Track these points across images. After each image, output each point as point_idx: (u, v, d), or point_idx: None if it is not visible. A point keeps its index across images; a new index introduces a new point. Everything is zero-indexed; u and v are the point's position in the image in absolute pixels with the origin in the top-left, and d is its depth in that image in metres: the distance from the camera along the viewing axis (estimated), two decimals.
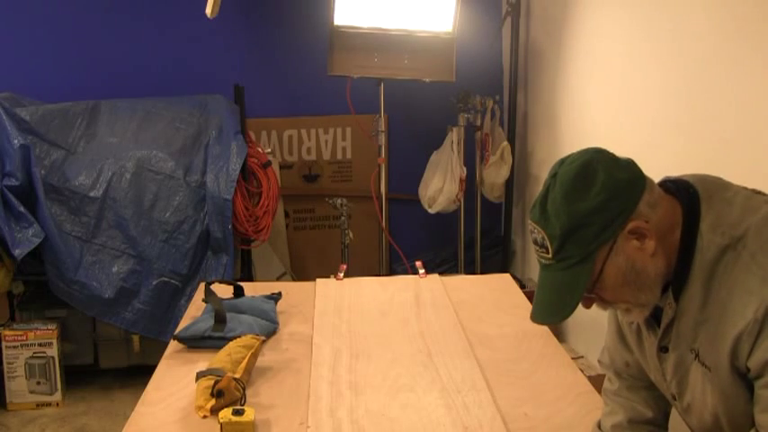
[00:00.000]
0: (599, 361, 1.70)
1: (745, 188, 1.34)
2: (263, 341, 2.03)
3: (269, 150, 3.90)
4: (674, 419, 1.59)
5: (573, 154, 1.34)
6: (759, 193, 1.34)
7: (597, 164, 1.29)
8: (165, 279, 3.41)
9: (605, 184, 1.27)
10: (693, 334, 1.33)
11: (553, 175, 1.32)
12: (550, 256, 1.30)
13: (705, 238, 1.28)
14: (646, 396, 1.57)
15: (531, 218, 1.33)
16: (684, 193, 1.33)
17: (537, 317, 1.36)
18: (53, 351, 3.40)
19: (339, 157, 4.31)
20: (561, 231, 1.27)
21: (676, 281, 1.32)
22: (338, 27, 3.54)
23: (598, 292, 1.33)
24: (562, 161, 1.33)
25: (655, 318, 1.40)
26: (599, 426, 1.63)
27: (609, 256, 1.28)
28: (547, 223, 1.29)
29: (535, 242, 1.33)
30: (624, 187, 1.28)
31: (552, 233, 1.28)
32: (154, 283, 3.39)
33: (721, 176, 1.38)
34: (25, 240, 3.19)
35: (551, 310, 1.33)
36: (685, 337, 1.35)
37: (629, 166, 1.31)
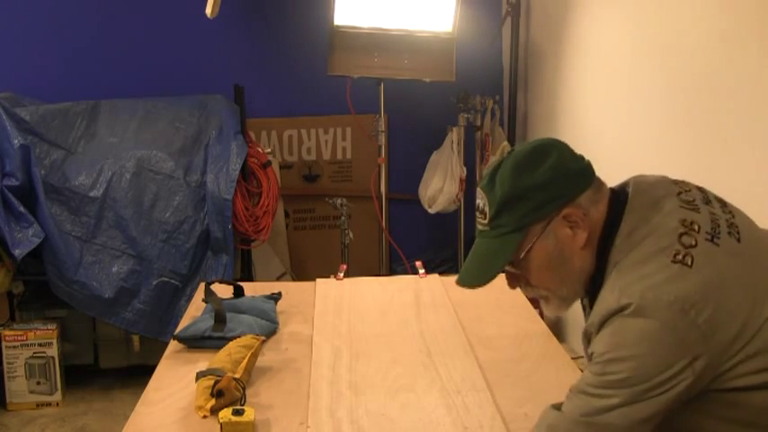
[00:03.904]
0: None
1: (681, 212, 1.32)
2: (263, 341, 2.03)
3: (269, 150, 3.90)
4: None
5: (537, 138, 1.42)
6: (690, 225, 1.31)
7: (553, 148, 1.36)
8: (165, 279, 3.41)
9: (553, 166, 1.33)
10: None
11: (510, 151, 1.40)
12: (486, 221, 1.36)
13: (613, 253, 1.32)
14: None
15: (479, 185, 1.40)
16: (616, 199, 1.37)
17: (460, 280, 1.42)
18: (53, 351, 3.40)
19: (339, 157, 4.31)
20: (501, 199, 1.33)
21: (591, 284, 1.36)
22: (338, 27, 3.54)
23: (523, 271, 1.38)
24: (527, 142, 1.41)
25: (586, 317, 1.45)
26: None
27: (540, 235, 1.34)
28: (491, 190, 1.35)
29: (477, 208, 1.39)
30: (571, 175, 1.34)
31: (492, 199, 1.35)
32: (154, 283, 3.39)
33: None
34: (25, 240, 3.19)
35: (474, 275, 1.40)
36: None
37: (583, 161, 1.38)
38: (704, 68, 2.40)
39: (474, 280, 1.40)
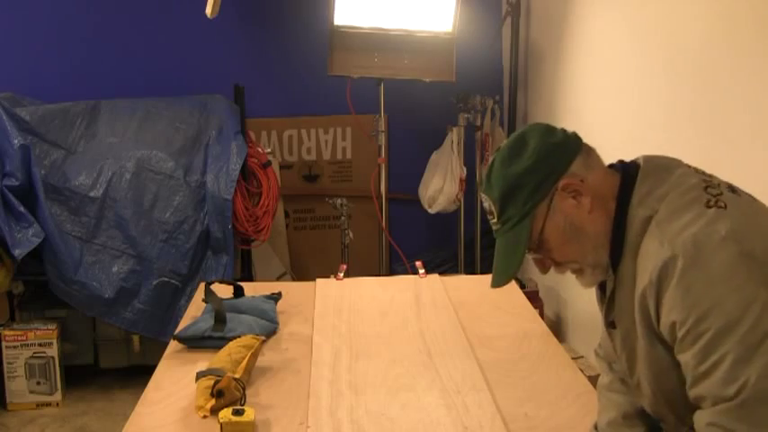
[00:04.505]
0: (595, 352, 1.73)
1: (696, 172, 1.38)
2: (263, 341, 2.03)
3: (269, 150, 3.89)
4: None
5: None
6: (709, 180, 1.35)
7: (530, 133, 1.42)
8: (165, 279, 3.41)
9: (535, 148, 1.38)
10: (632, 307, 1.37)
11: (496, 150, 1.45)
12: (496, 220, 1.41)
13: (633, 212, 1.35)
14: None
15: (481, 190, 1.45)
16: (626, 169, 1.40)
17: (493, 283, 1.44)
18: (53, 351, 3.40)
19: (339, 157, 4.31)
20: (500, 194, 1.39)
21: (613, 253, 1.38)
22: (338, 27, 3.54)
23: (546, 253, 1.41)
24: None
25: (603, 293, 1.46)
26: (595, 427, 1.63)
27: (548, 214, 1.37)
28: (490, 190, 1.41)
29: (486, 211, 1.44)
30: (555, 149, 1.39)
31: (494, 197, 1.40)
32: (154, 283, 3.39)
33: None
34: (25, 240, 3.19)
35: (501, 272, 1.43)
36: (627, 311, 1.39)
37: (564, 133, 1.42)
38: (705, 68, 2.40)
39: (502, 277, 1.43)
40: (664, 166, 1.39)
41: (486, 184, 1.42)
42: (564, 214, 1.37)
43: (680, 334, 1.24)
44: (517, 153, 1.39)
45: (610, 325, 1.47)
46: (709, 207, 1.27)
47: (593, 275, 1.43)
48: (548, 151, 1.38)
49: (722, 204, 1.28)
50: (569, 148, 1.40)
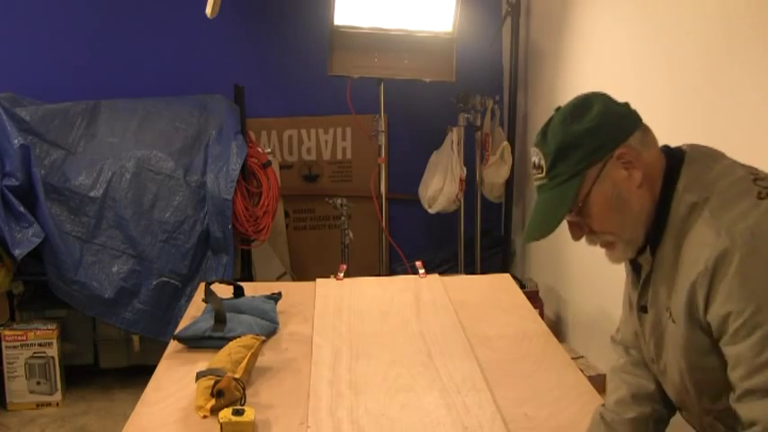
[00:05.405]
0: (611, 338, 1.72)
1: (741, 165, 1.39)
2: (263, 341, 2.03)
3: (269, 150, 3.89)
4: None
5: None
6: (756, 173, 1.37)
7: (594, 98, 1.42)
8: (165, 279, 3.41)
9: (600, 112, 1.38)
10: (667, 291, 1.38)
11: (557, 108, 1.44)
12: (543, 174, 1.40)
13: (679, 196, 1.36)
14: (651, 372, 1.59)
15: (533, 143, 1.44)
16: (672, 154, 1.41)
17: (527, 236, 1.44)
18: (53, 351, 3.40)
19: (339, 157, 4.31)
20: (555, 148, 1.38)
21: (653, 235, 1.38)
22: (338, 27, 3.54)
23: (585, 219, 1.40)
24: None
25: (638, 276, 1.47)
26: (603, 404, 1.64)
27: (597, 179, 1.37)
28: (544, 144, 1.40)
29: (533, 165, 1.43)
30: (617, 118, 1.39)
31: (547, 151, 1.39)
32: (154, 283, 3.39)
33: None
34: (25, 240, 3.19)
35: (539, 227, 1.41)
36: (661, 295, 1.40)
37: (627, 106, 1.43)
38: (706, 67, 2.40)
39: (539, 232, 1.42)
40: (709, 154, 1.40)
41: (540, 137, 1.41)
42: (613, 182, 1.36)
43: (735, 325, 1.24)
44: (580, 113, 1.39)
45: (641, 309, 1.47)
46: (761, 198, 1.29)
47: (625, 252, 1.43)
48: (610, 118, 1.38)
49: None
50: (630, 120, 1.40)
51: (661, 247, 1.38)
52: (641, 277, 1.45)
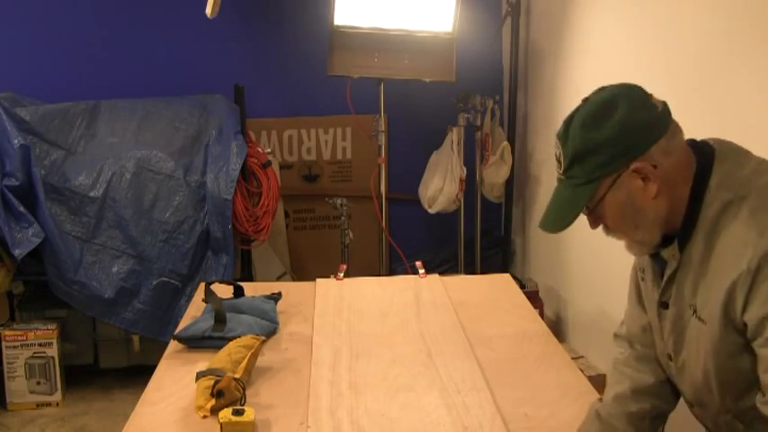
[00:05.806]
0: (615, 334, 1.71)
1: (764, 159, 1.38)
2: (263, 341, 2.03)
3: (269, 150, 3.89)
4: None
5: (610, 85, 1.41)
6: None
7: (621, 99, 1.36)
8: (165, 279, 3.41)
9: (621, 120, 1.33)
10: (693, 289, 1.37)
11: (586, 99, 1.41)
12: (561, 171, 1.41)
13: (712, 193, 1.34)
14: (654, 367, 1.59)
15: (557, 133, 1.43)
16: (702, 150, 1.39)
17: (542, 225, 1.45)
18: (53, 351, 3.40)
19: (339, 157, 4.31)
20: (572, 153, 1.37)
21: (683, 232, 1.37)
22: (338, 27, 3.54)
23: (599, 218, 1.42)
24: (600, 89, 1.41)
25: (661, 272, 1.45)
26: (600, 399, 1.64)
27: (612, 187, 1.36)
28: (565, 142, 1.39)
29: (555, 156, 1.43)
30: (639, 128, 1.34)
31: (566, 152, 1.39)
32: (154, 283, 3.39)
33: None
34: (25, 240, 3.19)
35: (553, 221, 1.43)
36: (685, 292, 1.39)
37: (655, 111, 1.36)
38: (706, 68, 2.40)
39: (553, 226, 1.43)
40: (737, 151, 1.39)
41: (562, 133, 1.40)
42: (628, 192, 1.36)
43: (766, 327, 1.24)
44: (602, 118, 1.35)
45: (662, 305, 1.46)
46: None
47: (640, 250, 1.45)
48: (632, 128, 1.34)
49: None
50: (655, 129, 1.35)
51: (690, 244, 1.36)
52: (666, 272, 1.43)
